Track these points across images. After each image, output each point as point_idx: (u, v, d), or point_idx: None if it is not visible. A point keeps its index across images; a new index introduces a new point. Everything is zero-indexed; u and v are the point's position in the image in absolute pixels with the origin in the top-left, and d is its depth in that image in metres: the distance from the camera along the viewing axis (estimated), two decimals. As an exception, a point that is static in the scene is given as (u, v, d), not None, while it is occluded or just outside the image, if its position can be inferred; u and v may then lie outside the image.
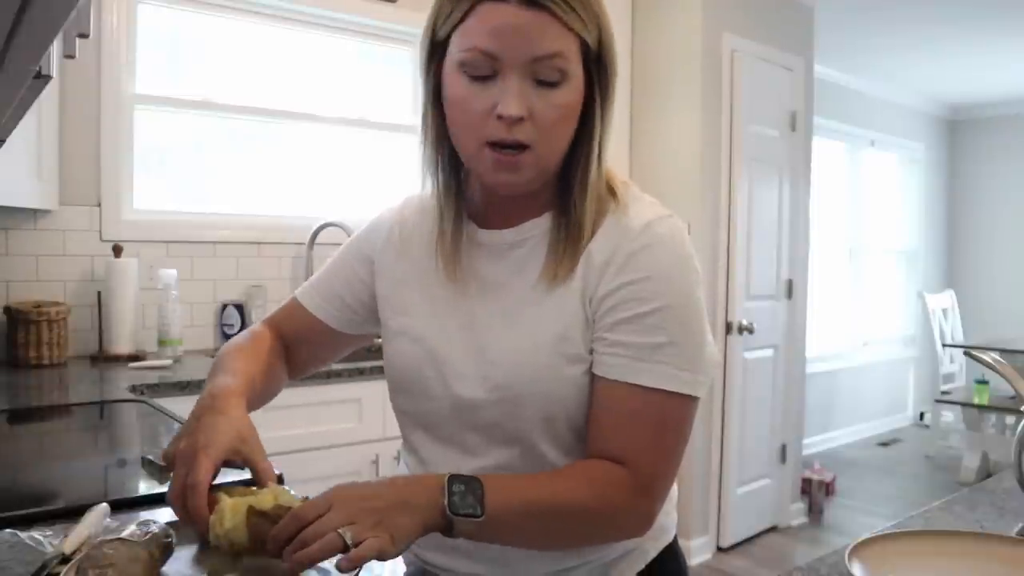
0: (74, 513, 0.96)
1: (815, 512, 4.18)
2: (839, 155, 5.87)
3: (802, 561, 1.33)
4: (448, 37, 0.87)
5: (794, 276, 3.95)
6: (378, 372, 2.34)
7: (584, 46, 0.86)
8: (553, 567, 0.95)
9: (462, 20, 0.84)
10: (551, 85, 0.85)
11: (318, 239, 2.89)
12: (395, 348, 0.99)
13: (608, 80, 0.90)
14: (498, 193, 0.92)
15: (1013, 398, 4.68)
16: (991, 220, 6.63)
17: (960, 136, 6.86)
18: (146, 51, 2.69)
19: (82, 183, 2.51)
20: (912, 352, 6.56)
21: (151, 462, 1.11)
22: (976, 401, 4.89)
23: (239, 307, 2.75)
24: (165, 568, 0.82)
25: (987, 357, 1.10)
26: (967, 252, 6.78)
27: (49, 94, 2.21)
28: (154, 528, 0.82)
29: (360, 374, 2.37)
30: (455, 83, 0.86)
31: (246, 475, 0.88)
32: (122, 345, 2.45)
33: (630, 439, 0.85)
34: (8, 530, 0.92)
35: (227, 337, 2.74)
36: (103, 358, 2.42)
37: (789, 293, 3.93)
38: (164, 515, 1.03)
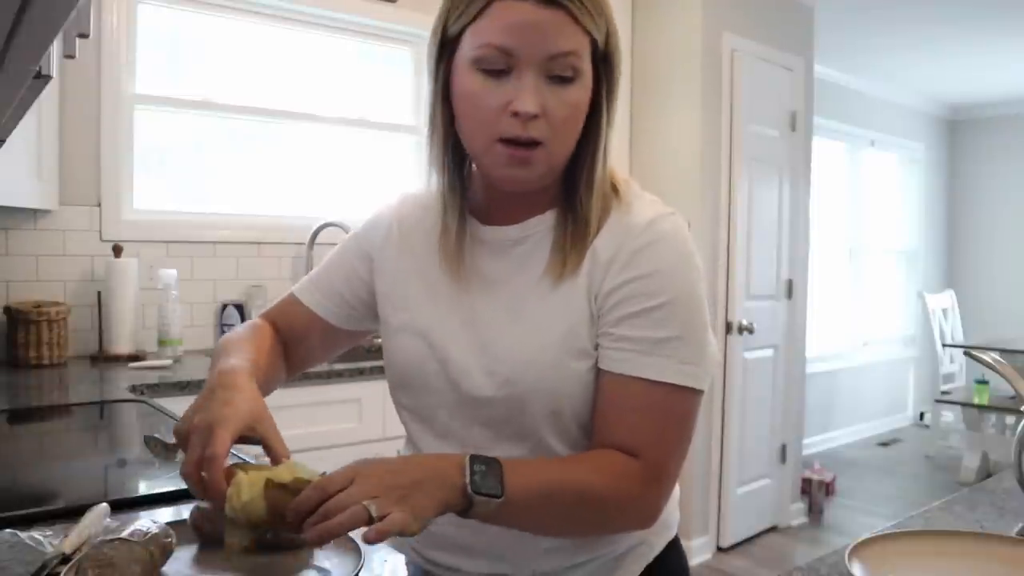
0: (74, 513, 0.96)
1: (815, 512, 4.18)
2: (839, 155, 5.87)
3: (802, 561, 1.33)
4: (460, 34, 0.87)
5: (794, 276, 3.95)
6: (378, 372, 2.34)
7: (593, 44, 0.87)
8: (562, 563, 0.96)
9: (476, 17, 0.85)
10: (564, 82, 0.86)
11: (318, 239, 2.89)
12: (397, 344, 0.99)
13: (614, 79, 0.91)
14: (505, 189, 0.92)
15: (1013, 398, 4.68)
16: (991, 220, 6.63)
17: (960, 136, 6.86)
18: (146, 51, 2.69)
19: (82, 183, 2.51)
20: (912, 352, 6.56)
21: (157, 440, 1.07)
22: (976, 401, 4.89)
23: (239, 307, 2.75)
24: (165, 568, 0.82)
25: (987, 357, 1.10)
26: (967, 252, 6.78)
27: (49, 94, 2.21)
28: (154, 528, 0.82)
29: (360, 374, 2.37)
30: (468, 79, 0.86)
31: (251, 454, 0.88)
32: (122, 345, 2.45)
33: (639, 432, 0.87)
34: (8, 530, 0.92)
35: (227, 337, 2.74)
36: (103, 358, 2.42)
37: (789, 293, 3.93)
38: (164, 515, 1.03)
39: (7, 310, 2.29)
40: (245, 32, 2.91)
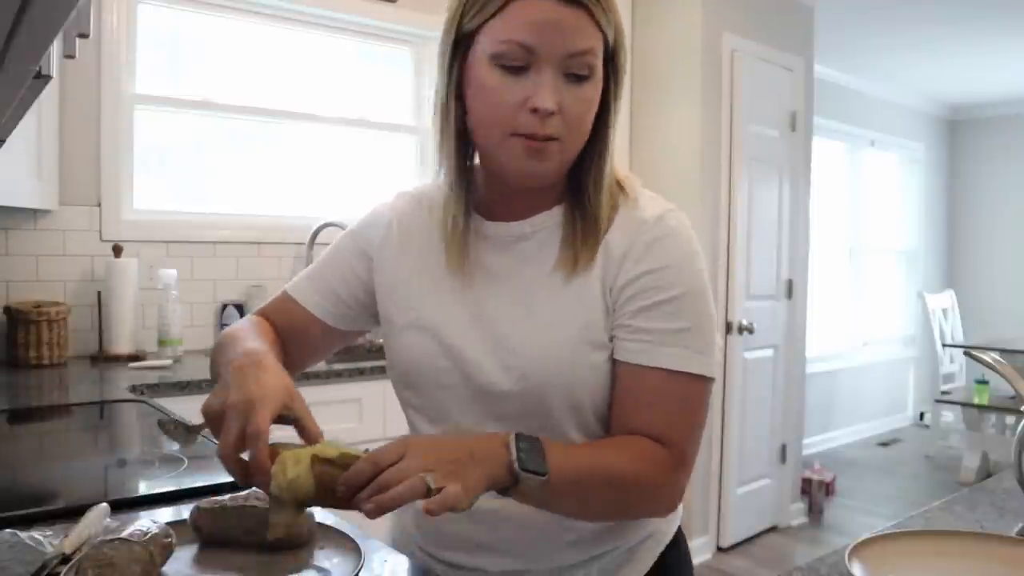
0: (74, 513, 0.96)
1: (815, 512, 4.18)
2: (839, 155, 5.87)
3: (802, 561, 1.33)
4: (477, 30, 0.88)
5: (794, 276, 3.95)
6: (379, 372, 2.34)
7: (605, 43, 0.89)
8: (580, 556, 0.97)
9: (496, 13, 0.85)
10: (580, 80, 0.87)
11: (318, 239, 2.89)
12: (405, 342, 0.99)
13: (620, 78, 0.93)
14: (517, 185, 0.93)
15: (1013, 398, 4.68)
16: (991, 220, 6.63)
17: (960, 136, 6.86)
18: (146, 51, 2.69)
19: (82, 183, 2.51)
20: (912, 352, 6.56)
21: (177, 423, 1.00)
22: (976, 401, 4.89)
23: (239, 307, 2.75)
24: (165, 568, 0.82)
25: (987, 357, 1.10)
26: (967, 252, 6.78)
27: (49, 94, 2.21)
28: (154, 528, 0.82)
29: (360, 374, 2.37)
30: (485, 75, 0.87)
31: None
32: (122, 345, 2.45)
33: (660, 420, 0.89)
34: (8, 530, 0.92)
35: (227, 337, 2.74)
36: (103, 358, 2.42)
37: (789, 293, 3.93)
38: (164, 515, 1.03)
39: (7, 310, 2.29)
40: (245, 32, 2.91)
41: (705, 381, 0.91)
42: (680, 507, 1.04)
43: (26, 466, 1.38)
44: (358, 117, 3.18)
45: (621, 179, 0.97)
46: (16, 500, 1.08)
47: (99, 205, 2.54)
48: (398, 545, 1.06)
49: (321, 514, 0.99)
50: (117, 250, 2.47)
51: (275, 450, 0.78)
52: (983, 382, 4.89)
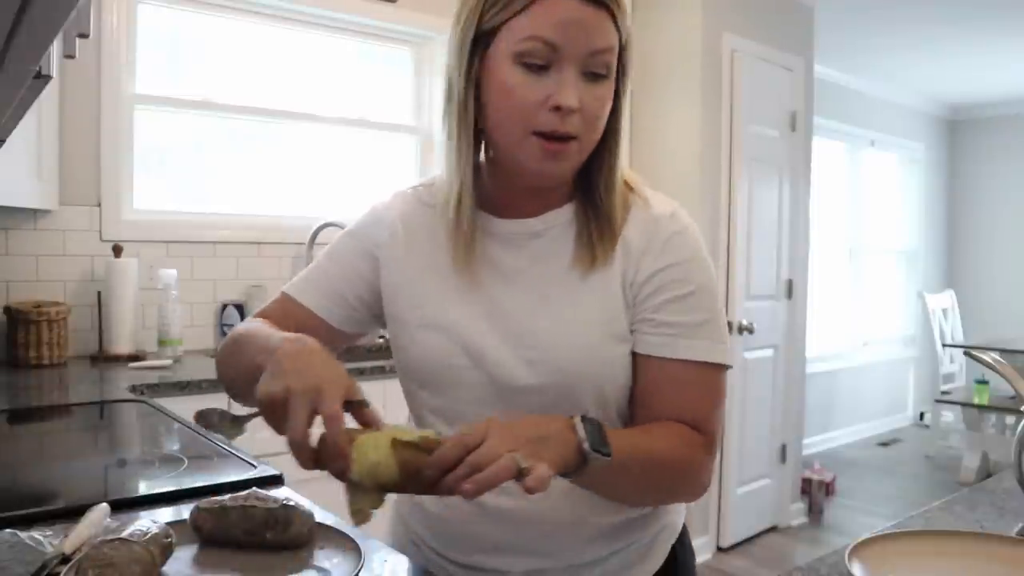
0: (74, 513, 0.96)
1: (815, 512, 4.18)
2: (839, 155, 5.87)
3: (802, 561, 1.33)
4: (498, 28, 0.88)
5: (794, 276, 3.95)
6: (379, 372, 2.34)
7: (619, 43, 0.91)
8: (600, 552, 0.98)
9: (519, 12, 0.86)
10: (597, 79, 0.89)
11: (318, 239, 2.89)
12: (420, 342, 0.98)
13: (627, 77, 0.94)
14: (532, 183, 0.94)
15: (1013, 398, 4.68)
16: (991, 220, 6.63)
17: (960, 136, 6.86)
18: (146, 51, 2.69)
19: (82, 183, 2.51)
20: (912, 352, 6.56)
21: (222, 412, 0.93)
22: (976, 401, 4.89)
23: (239, 307, 2.75)
24: (165, 568, 0.82)
25: (987, 357, 1.10)
26: (967, 252, 6.78)
27: (49, 94, 2.20)
28: (154, 528, 0.82)
29: (360, 374, 2.36)
30: (507, 73, 0.88)
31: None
32: (122, 345, 2.45)
33: (689, 407, 0.93)
34: (8, 530, 0.92)
35: (227, 337, 2.74)
36: (103, 358, 2.42)
37: (789, 293, 3.93)
38: (164, 515, 1.03)
39: (7, 310, 2.29)
40: (245, 32, 2.91)
41: (724, 369, 0.95)
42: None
43: (26, 466, 1.38)
44: (358, 117, 3.18)
45: (627, 177, 0.98)
46: (16, 500, 1.08)
47: (99, 205, 2.54)
48: (401, 548, 1.06)
49: (321, 514, 0.99)
50: (117, 250, 2.47)
51: (348, 435, 0.76)
52: (983, 382, 4.89)
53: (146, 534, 0.80)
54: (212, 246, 2.76)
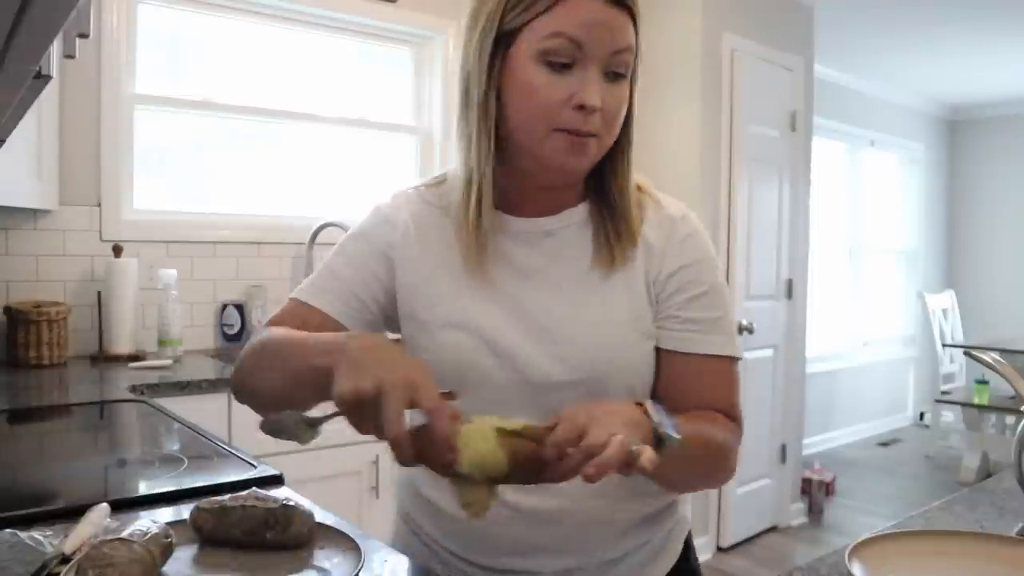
0: (74, 513, 0.96)
1: (815, 512, 4.18)
2: (839, 155, 5.87)
3: (802, 561, 1.33)
4: (521, 27, 0.89)
5: (794, 276, 3.95)
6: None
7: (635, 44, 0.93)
8: (627, 547, 1.00)
9: (543, 12, 0.87)
10: (617, 79, 0.91)
11: (318, 239, 2.89)
12: (443, 342, 0.97)
13: (637, 79, 0.96)
14: (548, 180, 0.95)
15: (1013, 398, 4.68)
16: (991, 220, 6.63)
17: (960, 136, 6.86)
18: (146, 51, 2.69)
19: (82, 183, 2.51)
20: (912, 352, 6.56)
21: (298, 417, 0.83)
22: (976, 401, 4.89)
23: (239, 307, 2.75)
24: (165, 568, 0.82)
25: (987, 357, 1.10)
26: (967, 252, 6.78)
27: (49, 94, 2.21)
28: (154, 528, 0.82)
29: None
30: (530, 71, 0.89)
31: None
32: (122, 345, 2.45)
33: (716, 398, 0.98)
34: (8, 530, 0.92)
35: (227, 337, 2.74)
36: (103, 358, 2.42)
37: (789, 293, 3.93)
38: (164, 515, 1.03)
39: (7, 310, 2.29)
40: (245, 32, 2.91)
41: (737, 361, 1.01)
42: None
43: (26, 466, 1.38)
44: (358, 117, 3.18)
45: (637, 179, 1.00)
46: (16, 500, 1.08)
47: (99, 205, 2.54)
48: (409, 550, 1.05)
49: (321, 514, 0.99)
50: (117, 250, 2.47)
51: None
52: (983, 382, 4.89)
53: (146, 534, 0.80)
54: (212, 246, 2.76)
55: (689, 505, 1.12)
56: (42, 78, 0.75)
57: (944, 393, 5.40)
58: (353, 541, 0.91)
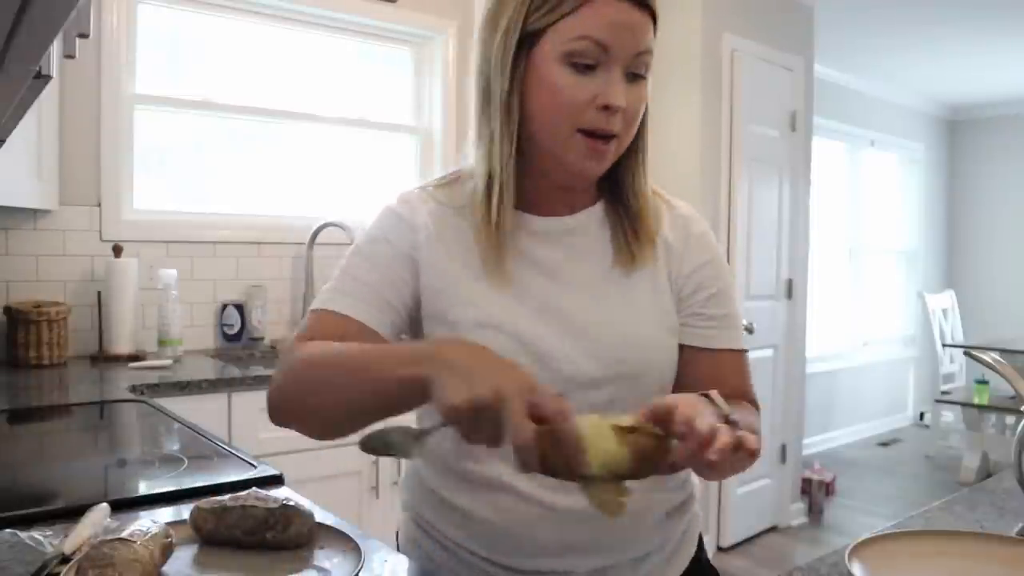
0: (74, 513, 0.96)
1: (815, 512, 4.18)
2: (839, 155, 5.87)
3: (802, 561, 1.33)
4: (544, 29, 0.90)
5: (794, 276, 3.95)
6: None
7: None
8: (656, 540, 1.02)
9: (567, 14, 0.88)
10: (638, 80, 0.93)
11: (318, 239, 2.89)
12: (475, 341, 0.91)
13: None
14: (567, 181, 0.96)
15: (1013, 398, 4.68)
16: (991, 220, 6.63)
17: (960, 136, 6.86)
18: (146, 51, 2.69)
19: (82, 183, 2.51)
20: (912, 352, 6.56)
21: (405, 431, 0.78)
22: (976, 401, 4.89)
23: (239, 307, 2.75)
24: (165, 568, 0.83)
25: (987, 357, 1.10)
26: (967, 252, 6.78)
27: (49, 94, 2.21)
28: (154, 528, 0.82)
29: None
30: (555, 72, 0.90)
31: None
32: (122, 345, 2.45)
33: (739, 388, 1.01)
34: (8, 530, 0.92)
35: (227, 337, 2.74)
36: (103, 358, 2.42)
37: (789, 293, 3.93)
38: (164, 515, 1.03)
39: (7, 310, 2.29)
40: (245, 32, 2.91)
41: (746, 352, 1.06)
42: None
43: (26, 466, 1.38)
44: (358, 117, 3.18)
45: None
46: (16, 500, 1.08)
47: (99, 205, 2.54)
48: (420, 553, 1.04)
49: (321, 514, 0.99)
50: (117, 250, 2.47)
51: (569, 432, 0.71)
52: (983, 382, 4.89)
53: (146, 534, 0.80)
54: (212, 246, 2.76)
55: (698, 501, 1.13)
56: (42, 78, 0.75)
57: (944, 393, 5.40)
58: (353, 541, 0.91)
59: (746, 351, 1.04)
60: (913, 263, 6.60)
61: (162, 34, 2.75)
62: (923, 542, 0.91)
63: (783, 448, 3.94)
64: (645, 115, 0.97)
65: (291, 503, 0.92)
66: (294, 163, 3.03)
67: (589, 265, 0.99)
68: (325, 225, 2.87)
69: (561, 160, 0.93)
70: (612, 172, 0.98)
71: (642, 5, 0.90)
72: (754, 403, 1.03)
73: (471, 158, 0.99)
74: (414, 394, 0.76)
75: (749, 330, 3.60)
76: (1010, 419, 4.75)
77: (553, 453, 0.70)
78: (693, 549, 1.09)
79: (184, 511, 0.98)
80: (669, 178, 3.53)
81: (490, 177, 0.94)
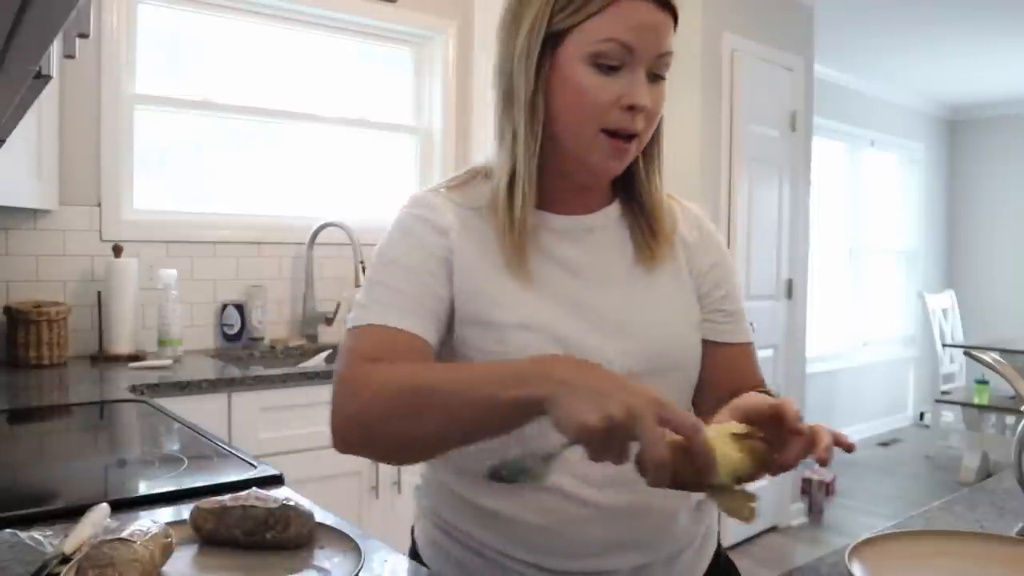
0: (74, 513, 0.96)
1: (815, 512, 4.18)
2: (839, 155, 5.87)
3: (802, 561, 1.33)
4: (567, 30, 0.90)
5: (794, 276, 3.95)
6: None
7: None
8: (687, 538, 1.03)
9: (593, 15, 0.89)
10: (658, 80, 0.93)
11: (318, 239, 2.89)
12: (513, 342, 0.93)
13: None
14: (588, 180, 0.98)
15: (1013, 398, 4.68)
16: (991, 220, 6.63)
17: (960, 136, 6.86)
18: (146, 51, 2.69)
19: (82, 183, 2.51)
20: (912, 352, 6.56)
21: (534, 455, 0.77)
22: (976, 401, 4.89)
23: (239, 307, 2.75)
24: (165, 568, 0.83)
25: (987, 357, 1.10)
26: (967, 252, 6.78)
27: (49, 94, 2.20)
28: (154, 528, 0.82)
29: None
30: (579, 73, 0.90)
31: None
32: (122, 345, 2.45)
33: (755, 379, 1.05)
34: (8, 530, 0.92)
35: (227, 337, 2.74)
36: (103, 358, 2.42)
37: (789, 293, 3.93)
38: (164, 515, 1.03)
39: (7, 310, 2.29)
40: (245, 32, 2.91)
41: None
42: None
43: (26, 466, 1.38)
44: (358, 117, 3.18)
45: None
46: (16, 500, 1.08)
47: (99, 205, 2.54)
48: (442, 556, 1.03)
49: (321, 514, 0.99)
50: (117, 250, 2.47)
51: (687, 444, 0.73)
52: (983, 382, 4.89)
53: (146, 534, 0.80)
54: (212, 246, 2.76)
55: None
56: (42, 78, 0.75)
57: (944, 393, 5.40)
58: (353, 541, 0.91)
59: (752, 342, 1.09)
60: (913, 263, 6.60)
61: (162, 34, 2.75)
62: (923, 542, 0.91)
63: (783, 448, 3.94)
64: (661, 115, 0.98)
65: (291, 503, 0.92)
66: (294, 163, 3.03)
67: (612, 263, 1.00)
68: (325, 225, 2.87)
69: (584, 160, 0.94)
70: (626, 171, 0.99)
71: (665, 5, 0.90)
72: (768, 392, 1.02)
73: (482, 157, 1.01)
74: (525, 415, 0.76)
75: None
76: (1010, 419, 4.75)
77: (683, 465, 0.72)
78: (714, 547, 1.10)
79: (184, 511, 0.98)
80: (669, 178, 3.50)
81: (513, 176, 0.94)
